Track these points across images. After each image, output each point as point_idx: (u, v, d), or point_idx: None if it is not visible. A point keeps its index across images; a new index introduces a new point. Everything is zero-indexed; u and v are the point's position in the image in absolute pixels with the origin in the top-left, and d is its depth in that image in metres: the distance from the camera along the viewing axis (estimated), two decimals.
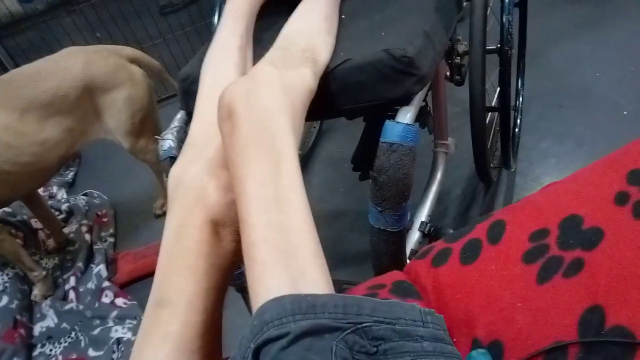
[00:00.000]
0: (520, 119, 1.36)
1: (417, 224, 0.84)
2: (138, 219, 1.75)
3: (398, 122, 0.59)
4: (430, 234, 0.81)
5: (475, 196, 1.26)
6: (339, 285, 0.43)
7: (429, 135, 0.89)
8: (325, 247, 0.43)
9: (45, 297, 1.47)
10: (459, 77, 0.89)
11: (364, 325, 0.38)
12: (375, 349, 0.38)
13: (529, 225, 0.47)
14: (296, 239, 0.41)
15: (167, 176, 0.71)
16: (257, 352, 0.36)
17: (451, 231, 0.79)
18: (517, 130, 1.32)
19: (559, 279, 0.41)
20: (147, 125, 1.41)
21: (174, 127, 0.73)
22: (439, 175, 0.90)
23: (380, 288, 0.51)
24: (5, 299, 1.39)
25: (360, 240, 1.28)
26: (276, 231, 0.41)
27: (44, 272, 1.48)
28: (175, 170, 0.53)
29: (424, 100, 0.71)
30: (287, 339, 0.35)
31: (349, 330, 0.37)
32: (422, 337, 0.39)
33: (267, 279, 0.39)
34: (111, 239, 1.69)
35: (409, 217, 0.66)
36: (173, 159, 0.72)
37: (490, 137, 1.16)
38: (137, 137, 1.40)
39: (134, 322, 1.32)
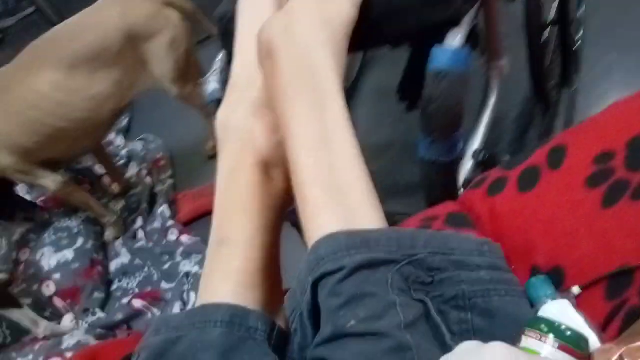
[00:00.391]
0: (582, 31, 1.25)
1: (470, 152, 0.81)
2: (193, 160, 1.80)
3: (446, 47, 0.55)
4: (484, 162, 0.78)
5: (533, 119, 1.20)
6: (392, 217, 0.43)
7: (480, 57, 0.84)
8: (375, 180, 0.43)
9: (116, 238, 1.58)
10: None
11: (418, 257, 0.38)
12: (430, 279, 0.38)
13: (593, 147, 0.44)
14: (346, 177, 0.41)
15: (214, 119, 0.72)
16: (315, 286, 0.37)
17: (507, 158, 0.76)
18: (578, 44, 1.22)
19: (626, 202, 0.39)
20: (192, 69, 1.40)
21: (216, 69, 0.73)
22: (493, 100, 0.85)
23: (434, 220, 0.51)
24: (80, 241, 1.51)
25: (411, 171, 1.26)
26: (325, 170, 0.41)
27: (114, 217, 1.58)
28: (221, 114, 0.53)
29: (475, 19, 0.66)
30: (343, 273, 0.36)
31: (403, 262, 0.37)
32: (479, 266, 0.39)
33: (319, 218, 0.40)
34: (170, 181, 1.77)
35: (461, 146, 0.63)
36: (218, 102, 0.72)
37: (549, 53, 1.07)
38: (184, 83, 1.39)
39: (199, 256, 1.41)
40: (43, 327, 1.25)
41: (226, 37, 0.71)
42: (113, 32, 1.27)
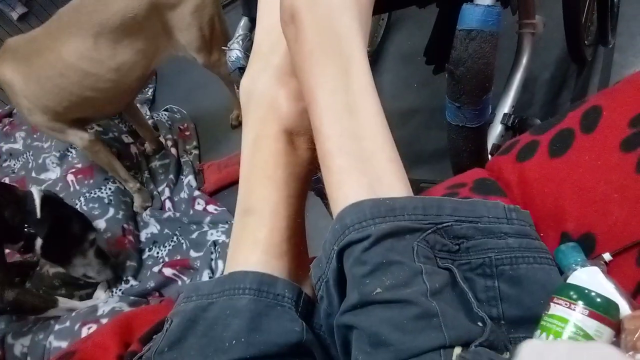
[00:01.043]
0: None
1: (499, 117, 0.78)
2: (217, 130, 1.82)
3: (477, 5, 0.52)
4: (514, 127, 0.75)
5: (566, 80, 1.15)
6: (417, 185, 0.43)
7: (511, 16, 0.80)
8: (401, 147, 0.42)
9: (144, 208, 1.63)
10: None
11: (444, 224, 0.38)
12: (457, 247, 0.38)
13: (629, 109, 0.42)
14: (371, 145, 0.41)
15: (237, 87, 0.72)
16: (340, 254, 0.37)
17: (538, 122, 0.74)
18: None
19: None
20: (217, 36, 1.39)
21: (239, 36, 0.71)
22: (524, 60, 0.81)
23: (461, 187, 0.50)
24: (112, 211, 1.55)
25: (437, 138, 1.25)
26: (350, 139, 0.40)
27: (137, 185, 1.61)
28: (245, 82, 0.52)
29: None
30: (369, 241, 0.35)
31: (429, 231, 0.37)
32: (507, 233, 0.39)
33: (344, 187, 0.39)
34: (195, 151, 1.79)
35: (490, 110, 0.61)
36: (242, 69, 0.71)
37: (585, 9, 1.02)
38: (210, 50, 1.40)
39: (226, 226, 1.44)
40: (79, 308, 1.31)
41: (248, 3, 0.69)
42: (138, 1, 1.27)
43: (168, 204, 1.61)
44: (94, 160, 1.59)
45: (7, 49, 1.36)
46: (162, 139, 1.81)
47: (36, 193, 1.26)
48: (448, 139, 0.64)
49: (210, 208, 1.52)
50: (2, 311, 1.20)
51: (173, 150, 1.76)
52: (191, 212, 1.54)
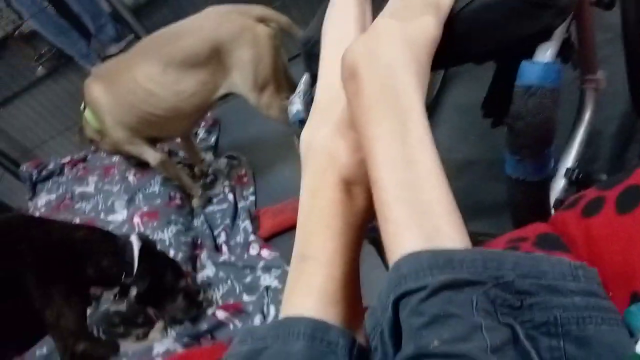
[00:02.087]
0: None
1: (562, 171, 0.76)
2: (274, 177, 1.87)
3: (536, 62, 0.53)
4: (578, 182, 0.73)
5: (633, 135, 1.10)
6: (475, 238, 0.42)
7: (573, 71, 0.79)
8: (457, 199, 0.42)
9: (202, 207, 1.84)
10: None
11: (506, 279, 0.37)
12: (519, 303, 0.37)
13: None
14: (428, 197, 0.41)
15: (297, 137, 0.75)
16: (396, 304, 0.37)
17: (604, 177, 0.71)
18: None
19: None
20: (271, 82, 1.50)
21: (300, 91, 0.75)
22: (587, 116, 0.80)
23: (523, 241, 0.49)
24: (172, 252, 1.61)
25: (496, 190, 1.21)
26: (407, 191, 0.41)
27: (200, 190, 1.86)
28: (305, 134, 0.55)
29: (567, 31, 0.63)
30: (426, 292, 0.35)
31: (490, 285, 0.36)
32: (573, 291, 0.37)
33: (401, 238, 0.40)
34: (252, 197, 1.84)
35: (552, 164, 0.60)
36: (302, 122, 0.75)
37: None
38: (261, 93, 1.51)
39: (279, 271, 1.45)
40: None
41: (310, 60, 0.73)
42: (202, 42, 1.44)
43: (224, 248, 1.65)
44: (163, 174, 1.83)
45: (96, 72, 1.63)
46: (220, 185, 1.90)
47: (135, 243, 1.31)
48: (507, 193, 0.63)
49: (264, 253, 1.55)
50: None
51: (230, 197, 1.83)
52: (246, 256, 1.57)
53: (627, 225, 0.42)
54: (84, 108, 1.65)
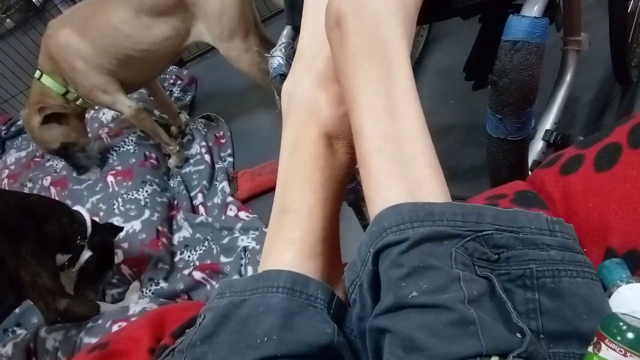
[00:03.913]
0: None
1: (540, 133, 0.76)
2: (252, 138, 1.85)
3: (524, 16, 0.52)
4: (556, 143, 0.74)
5: (610, 101, 1.12)
6: (454, 201, 0.42)
7: (556, 33, 0.79)
8: None
9: (177, 167, 1.82)
10: None
11: (484, 233, 0.37)
12: (496, 256, 0.37)
13: None
14: (411, 149, 0.41)
15: (278, 94, 0.73)
16: (376, 256, 0.37)
17: (581, 139, 0.72)
18: None
19: None
20: (237, 34, 1.49)
21: (282, 43, 0.73)
22: (568, 78, 0.80)
23: (501, 198, 0.49)
24: (147, 213, 1.59)
25: (473, 154, 1.23)
26: (391, 142, 0.40)
27: (177, 147, 1.81)
28: (286, 86, 0.53)
29: None
30: (406, 244, 0.35)
31: (468, 238, 0.37)
32: (549, 245, 0.37)
33: (383, 189, 0.39)
34: (230, 159, 1.82)
35: (532, 124, 0.60)
36: (283, 76, 0.73)
37: (632, 30, 0.99)
38: (228, 44, 1.50)
39: (257, 232, 1.45)
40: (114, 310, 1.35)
41: (293, 11, 0.71)
42: None
43: (201, 209, 1.64)
44: (138, 127, 1.77)
45: (58, 21, 1.57)
46: (197, 146, 1.87)
47: (84, 211, 1.33)
48: (487, 152, 0.63)
49: (242, 215, 1.54)
50: (53, 321, 1.20)
51: (207, 157, 1.80)
52: (223, 217, 1.56)
53: (604, 182, 0.43)
54: (40, 77, 1.59)
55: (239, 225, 1.49)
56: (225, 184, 1.67)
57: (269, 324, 0.40)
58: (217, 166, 1.77)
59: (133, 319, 1.24)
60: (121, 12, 1.49)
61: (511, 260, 0.37)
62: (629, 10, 0.84)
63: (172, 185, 1.79)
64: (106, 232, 1.39)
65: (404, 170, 0.40)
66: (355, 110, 0.43)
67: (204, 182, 1.72)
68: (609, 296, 0.37)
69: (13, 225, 1.15)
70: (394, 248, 0.36)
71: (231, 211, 1.57)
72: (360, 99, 0.43)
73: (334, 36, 0.47)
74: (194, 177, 1.78)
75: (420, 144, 0.41)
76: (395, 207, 0.37)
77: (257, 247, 1.40)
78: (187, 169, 1.82)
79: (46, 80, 1.59)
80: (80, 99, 1.64)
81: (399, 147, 0.40)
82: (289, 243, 0.46)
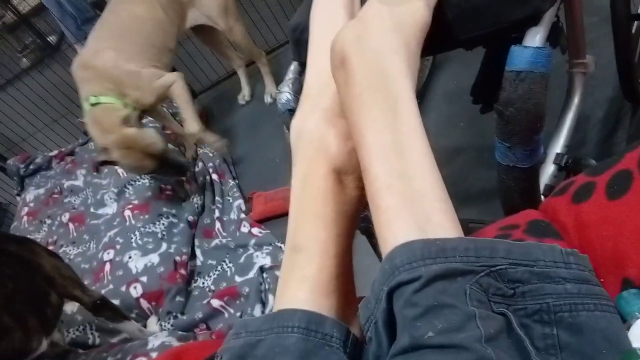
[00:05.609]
0: None
1: (551, 156, 0.76)
2: (262, 166, 1.86)
3: (526, 47, 0.52)
4: (568, 167, 0.73)
5: (621, 119, 1.11)
6: (465, 225, 0.42)
7: (561, 55, 0.79)
8: (447, 186, 0.42)
9: (194, 159, 1.93)
10: None
11: (498, 268, 0.37)
12: (512, 291, 0.37)
13: None
14: (420, 185, 0.41)
15: (287, 128, 0.74)
16: (390, 295, 0.37)
17: (593, 162, 0.71)
18: None
19: None
20: (231, 7, 1.82)
21: (289, 79, 0.74)
22: (576, 100, 0.80)
23: (514, 229, 0.49)
24: (164, 245, 1.60)
25: (485, 176, 1.22)
26: (399, 179, 0.41)
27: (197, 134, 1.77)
28: (295, 123, 0.54)
29: (556, 15, 0.63)
30: (420, 282, 0.35)
31: (482, 274, 0.36)
32: (565, 278, 0.37)
33: (393, 226, 0.40)
34: (234, 181, 1.85)
35: (542, 150, 0.60)
36: (292, 111, 0.74)
37: (637, 49, 0.99)
38: (225, 17, 1.80)
39: (270, 247, 1.47)
40: (146, 332, 1.35)
41: (299, 48, 0.72)
42: None
43: (217, 224, 1.67)
44: (180, 98, 1.72)
45: (88, 45, 1.65)
46: (205, 168, 1.92)
47: None
48: (498, 179, 0.63)
49: (255, 231, 1.57)
50: (94, 305, 1.24)
51: (215, 177, 1.85)
52: (238, 234, 1.59)
53: (618, 210, 0.42)
54: (96, 101, 1.54)
55: (252, 241, 1.51)
56: (241, 201, 1.71)
57: None
58: (230, 183, 1.81)
59: (152, 353, 1.24)
60: (136, 6, 1.66)
61: (527, 295, 0.37)
62: (633, 30, 0.84)
63: (185, 215, 1.80)
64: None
65: (414, 207, 0.40)
66: (363, 148, 0.44)
67: (217, 197, 1.77)
68: (628, 328, 0.36)
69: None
70: (408, 287, 0.36)
71: (245, 227, 1.60)
72: (367, 136, 0.43)
73: (339, 75, 0.48)
74: (211, 192, 1.82)
75: (429, 180, 0.41)
76: (407, 244, 0.37)
77: (272, 264, 1.41)
78: (208, 184, 1.87)
79: (104, 99, 1.55)
80: (134, 105, 1.63)
81: (408, 183, 0.41)
82: (301, 281, 0.46)
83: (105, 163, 1.61)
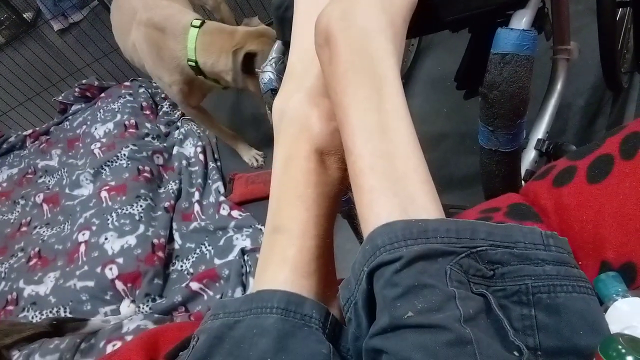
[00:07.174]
0: None
1: (533, 142, 0.76)
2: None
3: (512, 29, 0.52)
4: (549, 153, 0.74)
5: (602, 107, 1.12)
6: (446, 210, 0.42)
7: (545, 41, 0.79)
8: (430, 171, 0.42)
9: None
10: None
11: (478, 249, 0.37)
12: (491, 272, 0.37)
13: None
14: (403, 166, 0.40)
15: (269, 109, 0.73)
16: (370, 276, 0.37)
17: (574, 148, 0.72)
18: None
19: None
20: None
21: (272, 59, 0.73)
22: (559, 86, 0.80)
23: (495, 211, 0.49)
24: (142, 227, 1.58)
25: (467, 163, 1.23)
26: (382, 159, 0.40)
27: None
28: (277, 102, 0.53)
29: (542, 0, 0.63)
30: (400, 263, 0.35)
31: (463, 254, 0.36)
32: (544, 260, 0.37)
33: (376, 207, 0.39)
34: (218, 163, 1.83)
35: (524, 135, 0.60)
36: (274, 91, 0.72)
37: (621, 36, 1.00)
38: None
39: (250, 229, 1.47)
40: (110, 319, 1.33)
41: (283, 26, 0.71)
42: None
43: (197, 207, 1.65)
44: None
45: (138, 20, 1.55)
46: (192, 147, 1.89)
47: None
48: (480, 163, 0.63)
49: (235, 213, 1.56)
50: (53, 329, 1.21)
51: (201, 157, 1.83)
52: (217, 216, 1.57)
53: (598, 194, 0.42)
54: (195, 64, 1.41)
55: (232, 223, 1.50)
56: (219, 183, 1.69)
57: (263, 345, 0.39)
58: (210, 165, 1.79)
59: (127, 337, 1.22)
60: None
61: (506, 276, 0.37)
62: (617, 17, 0.84)
63: (162, 194, 1.78)
64: None
65: (397, 188, 0.39)
66: (347, 128, 0.43)
67: (199, 180, 1.75)
68: (606, 311, 0.36)
69: None
70: (388, 267, 0.35)
71: (224, 210, 1.59)
72: (351, 116, 0.43)
73: (323, 53, 0.47)
74: (192, 176, 1.80)
75: (412, 161, 0.41)
76: (389, 225, 0.37)
77: (253, 246, 1.40)
78: (185, 168, 1.84)
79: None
80: None
81: (391, 164, 0.40)
82: (282, 262, 0.45)
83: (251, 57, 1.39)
